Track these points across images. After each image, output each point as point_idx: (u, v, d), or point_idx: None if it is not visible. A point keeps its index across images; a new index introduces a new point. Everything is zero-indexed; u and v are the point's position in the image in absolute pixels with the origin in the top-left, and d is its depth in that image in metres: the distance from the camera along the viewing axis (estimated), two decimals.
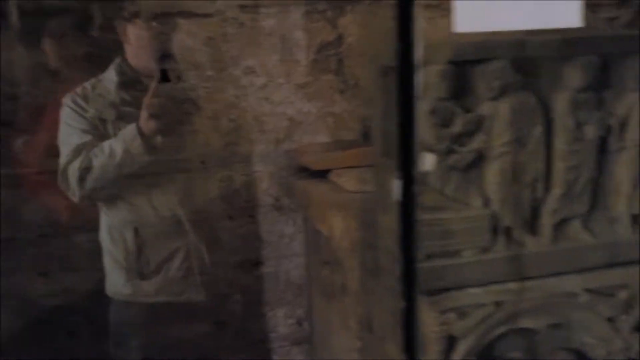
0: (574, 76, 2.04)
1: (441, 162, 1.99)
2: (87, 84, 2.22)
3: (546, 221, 2.14)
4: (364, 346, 2.45)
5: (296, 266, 3.53)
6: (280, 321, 3.55)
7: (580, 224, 2.19)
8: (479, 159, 2.03)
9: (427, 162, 2.00)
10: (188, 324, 2.54)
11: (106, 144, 2.13)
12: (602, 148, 2.15)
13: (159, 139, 2.10)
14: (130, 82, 2.18)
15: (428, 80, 1.92)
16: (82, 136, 2.12)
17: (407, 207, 1.49)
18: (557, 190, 2.11)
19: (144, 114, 2.07)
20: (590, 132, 2.09)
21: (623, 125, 2.15)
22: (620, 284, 2.22)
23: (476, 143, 1.99)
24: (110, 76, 2.21)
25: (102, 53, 2.59)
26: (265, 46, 3.22)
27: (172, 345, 2.36)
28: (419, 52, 1.43)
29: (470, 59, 1.93)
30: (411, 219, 1.49)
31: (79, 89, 2.18)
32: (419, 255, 1.93)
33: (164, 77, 2.20)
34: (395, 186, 1.51)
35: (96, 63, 2.50)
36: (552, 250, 2.15)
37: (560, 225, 2.16)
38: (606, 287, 2.21)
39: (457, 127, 1.96)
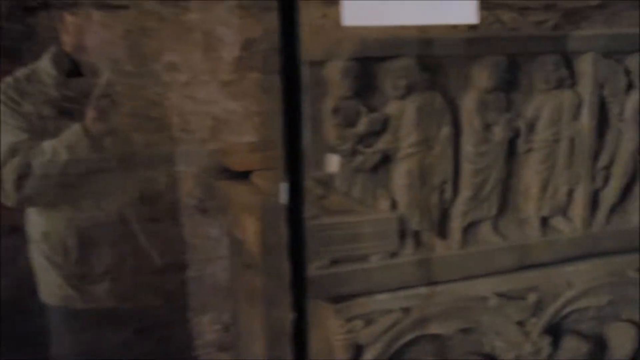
0: (482, 76, 2.00)
1: (346, 163, 1.91)
2: (20, 75, 2.00)
3: (455, 224, 2.10)
4: (274, 354, 2.36)
5: (222, 270, 3.39)
6: (206, 327, 3.40)
7: (489, 227, 2.16)
8: (385, 161, 1.96)
9: (332, 163, 1.93)
10: (111, 331, 2.39)
11: (47, 145, 1.96)
12: (511, 150, 2.12)
13: (107, 139, 1.93)
14: (69, 75, 1.99)
15: (330, 78, 1.84)
16: (18, 134, 1.93)
17: (294, 211, 1.40)
18: (465, 193, 2.07)
19: (91, 113, 1.89)
20: (499, 133, 2.06)
21: (531, 126, 2.13)
22: (529, 287, 2.20)
23: (382, 144, 1.93)
24: (45, 67, 2.01)
25: (12, 44, 2.41)
26: (188, 41, 3.08)
27: (94, 352, 2.21)
28: (305, 49, 1.34)
29: (375, 55, 1.86)
30: (299, 224, 1.40)
31: (9, 80, 1.97)
32: (322, 260, 1.86)
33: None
34: (282, 190, 1.42)
35: (7, 55, 2.28)
36: (461, 254, 2.11)
37: (469, 228, 2.13)
38: (516, 290, 2.19)
39: (362, 127, 1.89)
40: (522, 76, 2.11)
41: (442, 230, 2.09)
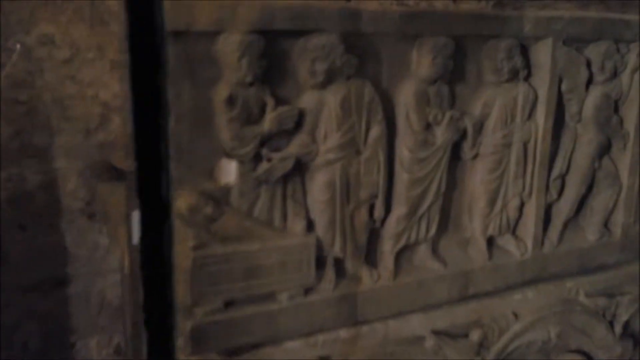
0: (423, 62, 1.57)
1: (246, 172, 1.42)
2: None
3: (387, 248, 1.67)
4: None
5: (113, 284, 2.85)
6: (94, 351, 2.87)
7: (428, 250, 1.75)
8: (299, 169, 1.49)
9: (227, 172, 1.43)
10: None
11: None
12: (454, 155, 1.70)
13: None
14: None
15: (223, 57, 1.34)
16: None
17: (152, 257, 0.89)
18: (400, 209, 1.65)
19: None
20: (441, 135, 1.63)
21: (479, 127, 1.72)
22: (473, 321, 1.83)
23: (294, 147, 1.46)
24: None
25: None
26: (67, 10, 2.50)
27: None
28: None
29: (286, 28, 1.38)
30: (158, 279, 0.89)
31: None
32: (212, 304, 1.36)
33: None
34: (134, 221, 0.90)
35: None
36: (394, 285, 1.69)
37: (403, 253, 1.70)
38: (457, 325, 1.81)
39: (267, 124, 1.41)
40: (469, 64, 1.69)
41: (370, 256, 1.66)
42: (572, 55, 1.81)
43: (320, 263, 1.58)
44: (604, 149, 1.98)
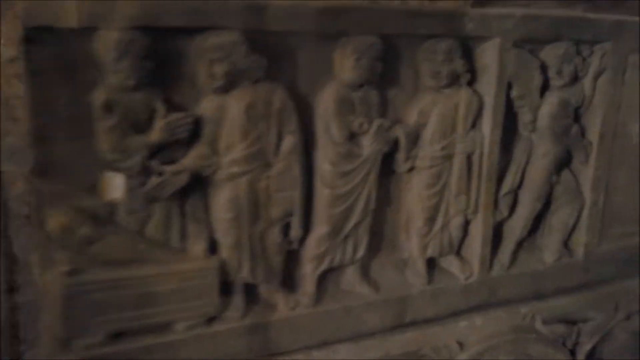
0: (345, 64, 1.39)
1: (135, 188, 1.24)
2: None
3: (308, 271, 1.49)
4: None
5: None
6: None
7: (357, 274, 1.57)
8: (199, 184, 1.31)
9: (113, 187, 1.26)
10: None
11: None
12: (387, 168, 1.53)
13: None
14: None
15: (101, 56, 1.16)
16: None
17: None
18: (321, 229, 1.47)
19: None
20: (368, 146, 1.46)
21: (415, 137, 1.54)
22: (411, 352, 1.65)
23: (191, 159, 1.28)
24: None
25: None
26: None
27: None
28: None
29: (178, 25, 1.20)
30: None
31: None
32: (93, 337, 1.19)
33: None
34: None
35: None
36: (315, 313, 1.52)
37: (330, 276, 1.53)
38: (392, 357, 1.63)
39: (156, 133, 1.23)
40: (405, 68, 1.51)
41: (288, 281, 1.48)
42: (523, 58, 1.63)
43: (226, 289, 1.41)
44: (563, 162, 1.79)
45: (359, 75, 1.41)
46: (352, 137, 1.46)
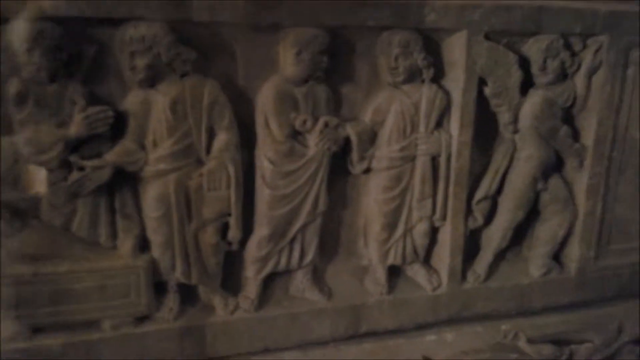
0: (287, 59, 1.31)
1: (56, 182, 1.22)
2: None
3: (250, 274, 1.43)
4: None
5: None
6: None
7: (306, 279, 1.49)
8: (127, 180, 1.28)
9: (37, 181, 1.24)
10: None
11: None
12: (343, 169, 1.43)
13: None
14: None
15: (14, 47, 1.15)
16: None
17: None
18: (262, 231, 1.39)
19: None
20: (315, 145, 1.37)
21: (370, 136, 1.44)
22: None
23: (113, 154, 1.24)
24: None
25: None
26: None
27: None
28: None
29: (94, 16, 1.17)
30: None
31: None
32: (8, 329, 1.18)
33: None
34: None
35: None
36: (256, 317, 1.45)
37: (278, 281, 1.46)
38: None
39: (74, 127, 1.21)
40: (361, 62, 1.41)
41: (229, 283, 1.42)
42: (497, 52, 1.48)
43: (159, 289, 1.37)
44: (550, 167, 1.62)
45: (301, 70, 1.33)
46: (296, 135, 1.38)
